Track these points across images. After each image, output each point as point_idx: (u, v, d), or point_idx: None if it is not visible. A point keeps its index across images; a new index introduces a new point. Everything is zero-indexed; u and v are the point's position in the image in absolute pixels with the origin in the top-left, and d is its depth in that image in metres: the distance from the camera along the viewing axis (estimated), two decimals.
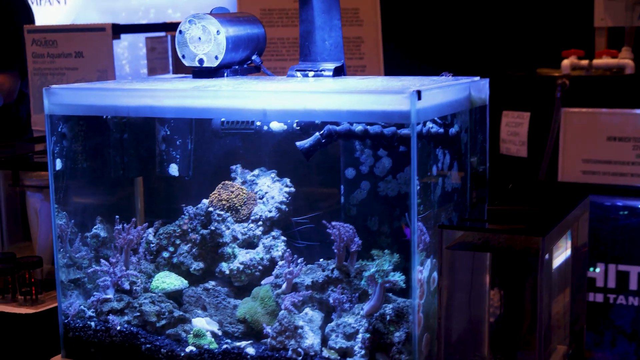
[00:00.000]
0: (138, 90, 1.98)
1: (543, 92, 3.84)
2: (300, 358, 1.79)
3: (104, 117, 2.07)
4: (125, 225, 2.01)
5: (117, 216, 2.02)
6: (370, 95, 1.70)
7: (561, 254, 1.79)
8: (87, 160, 2.08)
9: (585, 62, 3.98)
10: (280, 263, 1.94)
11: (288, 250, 1.92)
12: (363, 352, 1.76)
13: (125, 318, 1.96)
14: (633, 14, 3.99)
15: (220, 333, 1.91)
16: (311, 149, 1.82)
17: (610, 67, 3.96)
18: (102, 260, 2.00)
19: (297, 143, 1.83)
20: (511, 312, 1.80)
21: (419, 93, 1.60)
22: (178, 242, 2.03)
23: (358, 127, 1.79)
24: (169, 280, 1.99)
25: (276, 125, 1.95)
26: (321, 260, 1.92)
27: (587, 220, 2.01)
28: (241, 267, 1.97)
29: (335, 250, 1.85)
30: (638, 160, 3.59)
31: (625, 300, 3.61)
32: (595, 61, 3.97)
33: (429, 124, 1.72)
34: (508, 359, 1.82)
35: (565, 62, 3.96)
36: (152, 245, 2.04)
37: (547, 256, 1.63)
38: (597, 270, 2.17)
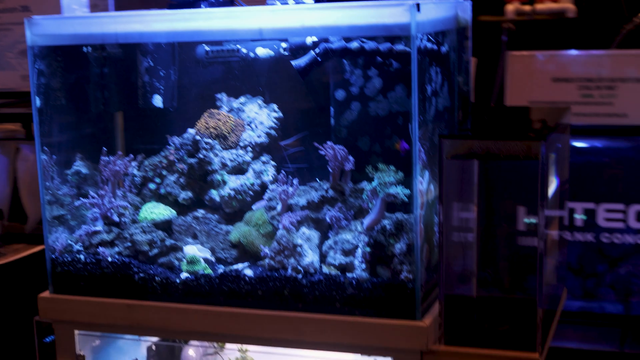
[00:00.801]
0: (126, 15, 1.95)
1: (488, 38, 3.89)
2: (301, 275, 1.78)
3: (85, 49, 2.03)
4: (111, 157, 1.99)
5: (104, 148, 1.99)
6: (370, 8, 1.69)
7: (551, 184, 1.85)
8: (67, 95, 2.05)
9: (528, 7, 4.07)
10: (271, 187, 1.94)
11: (283, 171, 1.91)
12: (364, 266, 1.77)
13: (116, 249, 1.95)
14: None
15: (213, 259, 1.90)
16: (307, 67, 1.82)
17: (553, 12, 4.04)
18: (91, 192, 1.97)
19: (293, 62, 1.81)
20: (503, 224, 1.82)
21: (418, 5, 1.60)
22: (164, 172, 2.02)
23: (354, 44, 1.78)
24: (157, 211, 1.98)
25: (262, 51, 1.92)
26: (316, 180, 1.93)
27: (568, 159, 2.09)
28: (232, 193, 1.96)
29: (330, 170, 1.84)
30: (583, 100, 3.68)
31: (572, 236, 3.73)
32: (538, 6, 4.06)
33: (425, 41, 1.72)
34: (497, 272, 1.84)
35: (510, 7, 4.03)
36: (136, 178, 2.02)
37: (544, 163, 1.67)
38: None
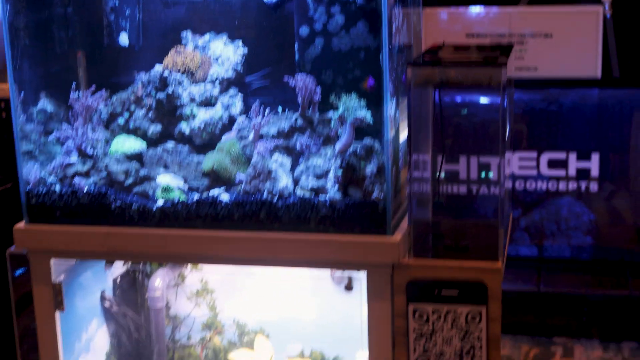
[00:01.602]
0: None
1: None
2: (276, 197, 1.82)
3: None
4: (81, 93, 1.98)
5: (74, 82, 1.99)
6: None
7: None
8: (32, 34, 2.02)
9: None
10: (239, 120, 1.97)
11: (256, 100, 1.94)
12: (336, 187, 1.82)
13: (91, 179, 1.95)
14: None
15: (187, 187, 1.92)
16: (279, 2, 1.86)
17: None
18: (64, 124, 1.96)
19: None
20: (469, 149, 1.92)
21: None
22: (133, 107, 2.01)
23: None
24: (128, 144, 1.98)
25: None
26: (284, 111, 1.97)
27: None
28: (202, 125, 1.97)
29: (299, 101, 1.88)
30: None
31: (488, 190, 3.88)
32: None
33: None
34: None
35: None
36: (103, 114, 2.01)
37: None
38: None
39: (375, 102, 1.84)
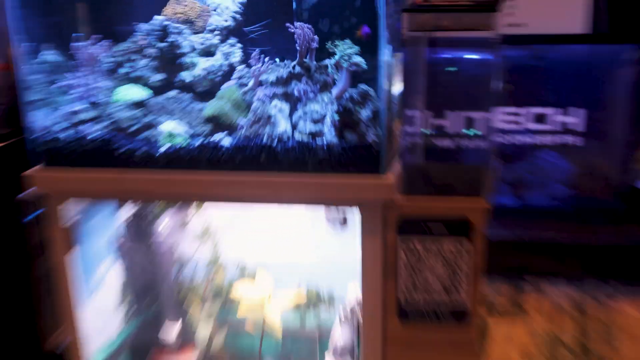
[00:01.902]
0: None
1: None
2: (275, 141, 1.79)
3: None
4: (83, 42, 1.92)
5: (73, 34, 1.93)
6: None
7: None
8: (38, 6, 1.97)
9: None
10: (239, 68, 1.93)
11: (256, 49, 1.89)
12: (333, 131, 1.78)
13: (98, 126, 1.90)
14: None
15: (190, 133, 1.89)
16: None
17: None
18: (70, 74, 1.92)
19: None
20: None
21: None
22: (135, 57, 1.96)
23: None
24: (131, 92, 1.94)
25: None
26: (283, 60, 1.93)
27: None
28: (203, 73, 1.93)
29: (298, 48, 1.83)
30: None
31: (475, 139, 3.88)
32: None
33: None
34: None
35: None
36: (105, 63, 1.96)
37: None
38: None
39: (370, 49, 1.79)
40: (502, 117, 3.63)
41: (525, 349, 3.20)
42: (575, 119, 3.71)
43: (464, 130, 1.97)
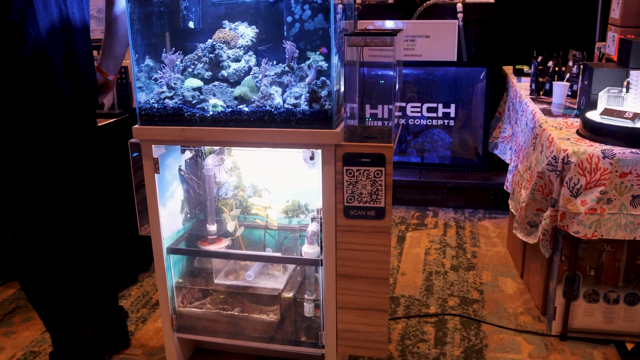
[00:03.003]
0: None
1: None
2: (273, 109, 1.97)
3: None
4: (169, 54, 2.07)
5: (164, 48, 2.09)
6: None
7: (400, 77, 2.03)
8: (143, 22, 2.05)
9: None
10: (254, 68, 2.08)
11: (265, 57, 2.06)
12: (306, 103, 1.96)
13: (174, 100, 2.05)
14: None
15: (226, 105, 2.03)
16: (276, 1, 1.99)
17: (381, 0, 4.18)
18: (160, 71, 2.07)
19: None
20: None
21: None
22: (196, 63, 2.11)
23: None
24: (193, 82, 2.08)
25: None
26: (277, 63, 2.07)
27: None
28: (234, 71, 2.07)
29: (287, 56, 2.02)
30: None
31: (388, 113, 3.90)
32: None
33: None
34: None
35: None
36: (180, 66, 2.11)
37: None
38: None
39: (327, 57, 1.94)
40: (410, 109, 3.82)
41: (426, 248, 3.40)
42: (450, 109, 3.94)
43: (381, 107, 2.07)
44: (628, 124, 2.26)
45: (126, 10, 1.94)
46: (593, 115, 2.41)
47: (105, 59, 2.17)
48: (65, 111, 1.99)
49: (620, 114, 2.30)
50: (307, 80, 1.96)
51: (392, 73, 1.90)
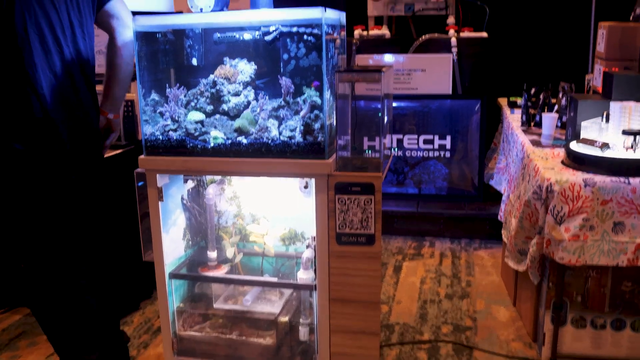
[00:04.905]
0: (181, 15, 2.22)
1: (346, 48, 4.11)
2: (270, 140, 2.11)
3: (157, 35, 2.21)
4: (173, 89, 2.22)
5: (167, 84, 2.23)
6: (303, 10, 1.98)
7: (389, 112, 2.17)
8: (149, 59, 2.19)
9: (365, 32, 4.38)
10: (252, 102, 2.22)
11: (261, 92, 2.20)
12: (301, 135, 2.11)
13: (177, 133, 2.21)
14: (387, 8, 4.36)
15: (225, 137, 2.18)
16: (273, 40, 2.14)
17: (378, 35, 4.36)
18: (165, 104, 2.23)
19: (266, 37, 2.14)
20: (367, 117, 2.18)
21: (325, 9, 1.97)
22: (199, 97, 2.25)
23: (294, 29, 2.10)
24: (196, 115, 2.23)
25: (246, 35, 2.21)
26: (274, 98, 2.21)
27: (391, 110, 2.38)
28: (234, 105, 2.22)
29: (283, 91, 2.16)
30: (396, 81, 4.04)
31: (394, 152, 4.04)
32: (371, 32, 4.39)
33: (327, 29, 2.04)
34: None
35: (356, 32, 4.38)
36: (183, 101, 2.25)
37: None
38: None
39: (320, 92, 2.06)
40: (407, 140, 3.94)
41: (422, 277, 3.49)
42: (447, 142, 4.03)
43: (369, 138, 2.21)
44: (597, 152, 2.40)
45: (123, 53, 2.11)
46: (574, 145, 2.55)
47: (104, 100, 2.27)
48: (66, 161, 2.04)
49: (591, 143, 2.45)
50: (302, 114, 2.08)
51: (379, 106, 2.04)
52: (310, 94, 2.08)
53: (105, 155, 2.52)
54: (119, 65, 2.21)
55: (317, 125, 2.07)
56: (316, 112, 2.08)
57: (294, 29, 2.10)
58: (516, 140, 3.08)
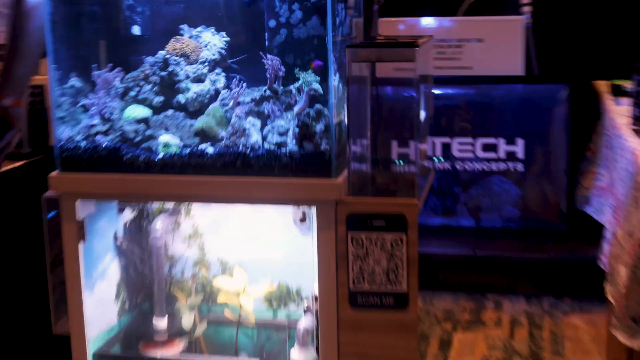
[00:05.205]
0: None
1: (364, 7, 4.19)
2: (249, 149, 2.15)
3: None
4: (102, 70, 2.26)
5: (93, 64, 2.27)
6: None
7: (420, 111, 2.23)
8: (67, 26, 2.23)
9: None
10: (222, 91, 2.28)
11: (235, 77, 2.25)
12: (294, 142, 2.14)
13: (109, 137, 2.24)
14: None
15: (182, 144, 2.22)
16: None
17: None
18: (90, 95, 2.27)
19: None
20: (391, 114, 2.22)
21: None
22: (142, 83, 2.29)
23: None
24: (137, 110, 2.28)
25: None
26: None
27: (432, 100, 2.46)
28: (194, 96, 2.27)
29: (268, 75, 2.20)
30: (438, 57, 4.11)
31: (433, 165, 4.11)
32: None
33: None
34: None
35: None
36: (119, 88, 2.31)
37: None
38: None
39: (323, 77, 2.12)
40: (458, 146, 3.96)
41: (484, 358, 3.47)
42: (518, 148, 4.00)
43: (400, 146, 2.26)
44: None
45: (35, 14, 2.11)
46: None
47: (1, 80, 2.28)
48: None
49: None
50: (296, 109, 2.14)
51: (414, 95, 2.06)
52: (309, 79, 2.12)
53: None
54: (28, 32, 2.23)
55: (319, 127, 2.10)
56: (318, 106, 2.12)
57: None
58: (624, 145, 3.05)
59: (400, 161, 2.26)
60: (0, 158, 2.39)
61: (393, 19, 4.22)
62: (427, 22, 4.17)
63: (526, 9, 4.08)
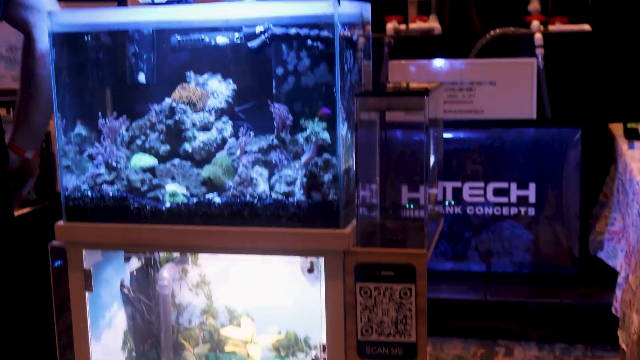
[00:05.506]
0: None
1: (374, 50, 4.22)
2: (256, 199, 2.15)
3: (85, 37, 2.26)
4: (108, 119, 2.26)
5: (99, 112, 2.26)
6: (304, 2, 2.05)
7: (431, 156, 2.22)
8: (73, 74, 2.24)
9: (403, 26, 4.42)
10: (229, 140, 2.27)
11: (242, 125, 2.24)
12: (302, 191, 2.14)
13: (115, 187, 2.24)
14: None
15: (189, 193, 2.22)
16: (259, 47, 2.17)
17: (423, 30, 4.40)
18: (96, 143, 2.26)
19: (249, 43, 2.17)
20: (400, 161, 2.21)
21: (339, 0, 1.98)
22: (148, 132, 2.29)
23: (292, 30, 2.13)
24: (144, 159, 2.27)
25: (221, 40, 2.24)
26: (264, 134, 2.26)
27: (442, 144, 2.45)
28: (201, 144, 2.25)
29: (275, 125, 2.20)
30: (449, 100, 4.10)
31: (443, 210, 4.08)
32: (411, 25, 4.43)
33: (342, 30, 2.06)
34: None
35: (389, 25, 4.41)
36: (125, 137, 2.31)
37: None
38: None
39: (331, 125, 2.11)
40: (469, 190, 3.94)
41: None
42: (530, 192, 3.96)
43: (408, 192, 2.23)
44: None
45: (47, 62, 2.15)
46: None
47: (19, 131, 2.31)
48: None
49: None
50: (304, 159, 2.14)
51: (424, 139, 2.04)
52: (317, 128, 2.11)
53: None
54: (42, 80, 2.24)
55: (327, 176, 2.10)
56: (326, 155, 2.12)
57: (292, 31, 2.12)
58: (637, 190, 3.04)
59: (411, 205, 2.22)
60: (17, 203, 2.39)
61: (403, 61, 4.21)
62: (439, 63, 4.17)
63: (539, 51, 4.07)
